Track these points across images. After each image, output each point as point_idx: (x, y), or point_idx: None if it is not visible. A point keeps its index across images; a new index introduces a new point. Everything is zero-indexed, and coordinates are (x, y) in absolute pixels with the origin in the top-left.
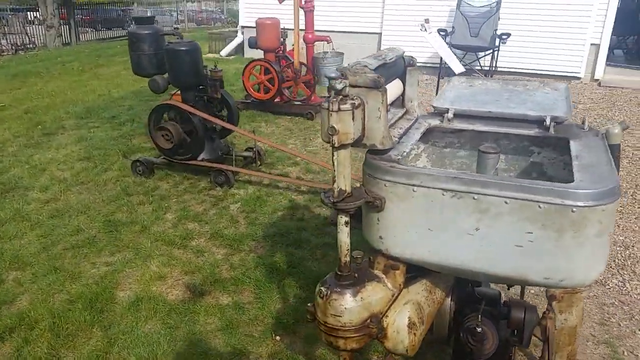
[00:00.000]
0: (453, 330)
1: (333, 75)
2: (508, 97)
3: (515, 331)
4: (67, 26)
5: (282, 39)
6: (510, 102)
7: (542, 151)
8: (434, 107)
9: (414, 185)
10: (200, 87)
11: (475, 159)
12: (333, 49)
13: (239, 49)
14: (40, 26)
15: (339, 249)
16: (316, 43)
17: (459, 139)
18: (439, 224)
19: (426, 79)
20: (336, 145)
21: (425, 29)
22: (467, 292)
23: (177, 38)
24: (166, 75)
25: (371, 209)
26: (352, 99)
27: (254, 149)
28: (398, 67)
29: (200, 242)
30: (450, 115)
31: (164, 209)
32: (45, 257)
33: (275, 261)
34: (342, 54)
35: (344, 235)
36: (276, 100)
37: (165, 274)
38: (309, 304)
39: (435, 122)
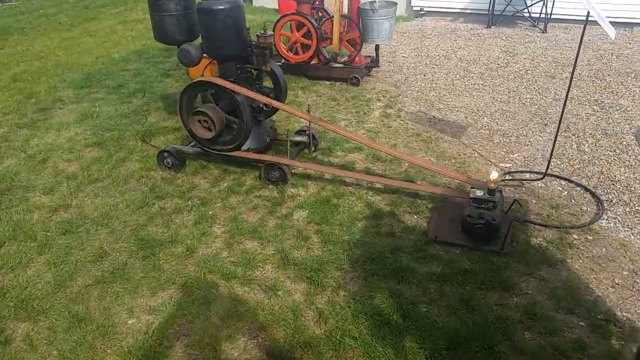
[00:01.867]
0: None
1: None
2: None
3: None
4: None
5: None
6: None
7: None
8: None
9: None
10: (244, 56)
11: None
12: None
13: None
14: None
15: None
16: None
17: None
18: None
19: (470, 28)
20: None
21: None
22: None
23: None
24: (199, 43)
25: None
26: None
27: (308, 132)
28: None
29: (268, 272)
30: None
31: (208, 220)
32: (62, 298)
33: (378, 306)
34: (396, 3)
35: None
36: (313, 62)
37: (234, 332)
38: None
39: None
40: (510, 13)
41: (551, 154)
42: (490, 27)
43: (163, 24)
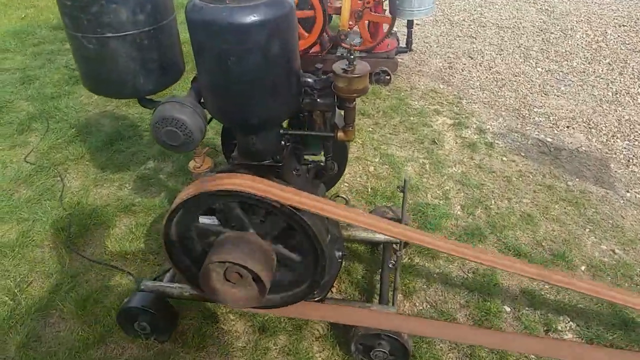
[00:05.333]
0: None
1: None
2: None
3: None
4: None
5: None
6: None
7: None
8: None
9: None
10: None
11: None
12: None
13: None
14: None
15: None
16: None
17: None
18: None
19: None
20: None
21: None
22: None
23: None
24: (192, 94)
25: None
26: None
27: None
28: None
29: None
30: None
31: None
32: None
33: None
34: None
35: None
36: (312, 51)
37: None
38: None
39: None
40: None
41: None
42: None
43: (108, 59)
